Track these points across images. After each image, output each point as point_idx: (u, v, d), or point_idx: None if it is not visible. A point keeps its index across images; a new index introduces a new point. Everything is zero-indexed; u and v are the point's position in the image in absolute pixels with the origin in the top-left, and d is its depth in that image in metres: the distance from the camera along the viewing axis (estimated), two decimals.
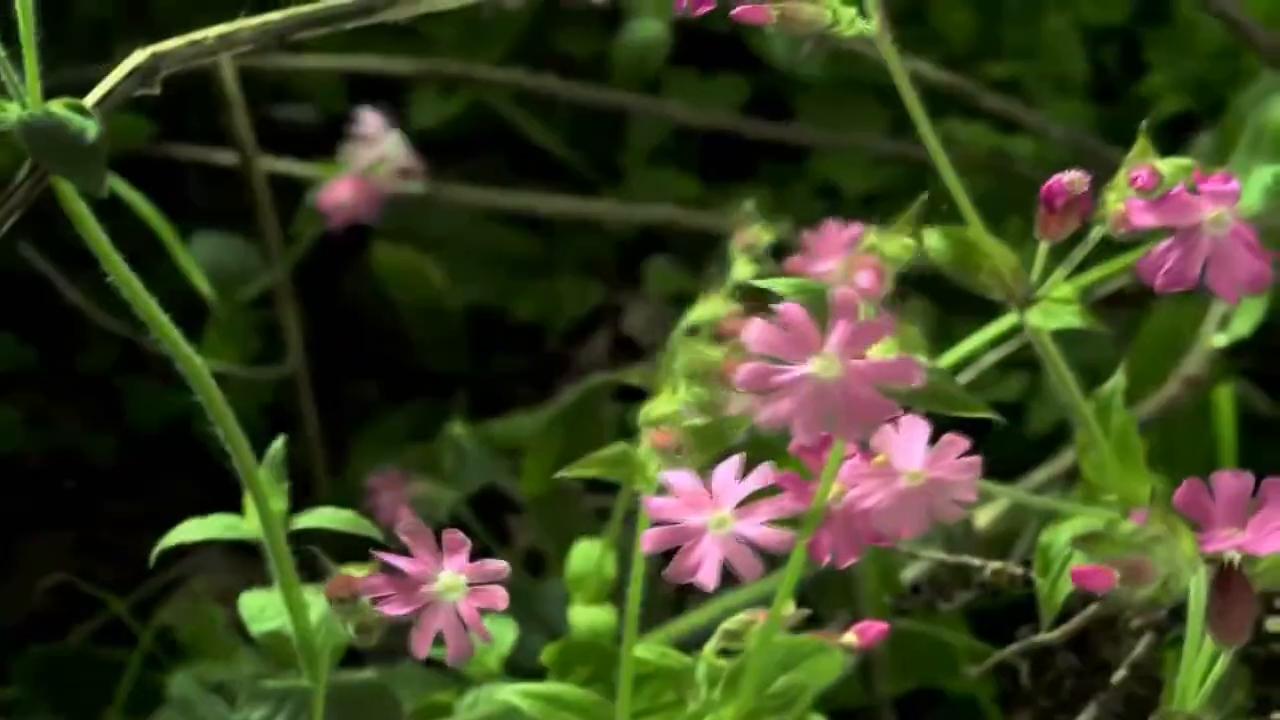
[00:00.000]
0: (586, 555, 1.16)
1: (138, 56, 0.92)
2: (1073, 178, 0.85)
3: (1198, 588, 0.71)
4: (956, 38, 1.66)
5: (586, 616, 1.13)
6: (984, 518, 1.30)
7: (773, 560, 0.82)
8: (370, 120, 1.46)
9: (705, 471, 0.81)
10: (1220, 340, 1.27)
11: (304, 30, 0.92)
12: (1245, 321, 1.26)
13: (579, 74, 1.62)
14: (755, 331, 0.76)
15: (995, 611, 1.19)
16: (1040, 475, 1.32)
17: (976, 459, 0.81)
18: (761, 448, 0.80)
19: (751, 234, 1.14)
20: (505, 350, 1.66)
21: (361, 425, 1.60)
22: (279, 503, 0.96)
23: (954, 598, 1.03)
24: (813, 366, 0.76)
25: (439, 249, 1.62)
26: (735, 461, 0.80)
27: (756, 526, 0.79)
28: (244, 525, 0.96)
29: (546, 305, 1.64)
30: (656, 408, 0.85)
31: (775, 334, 0.76)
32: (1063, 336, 1.34)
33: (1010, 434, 1.49)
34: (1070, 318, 0.85)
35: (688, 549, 0.79)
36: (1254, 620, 0.70)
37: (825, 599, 1.21)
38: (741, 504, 0.80)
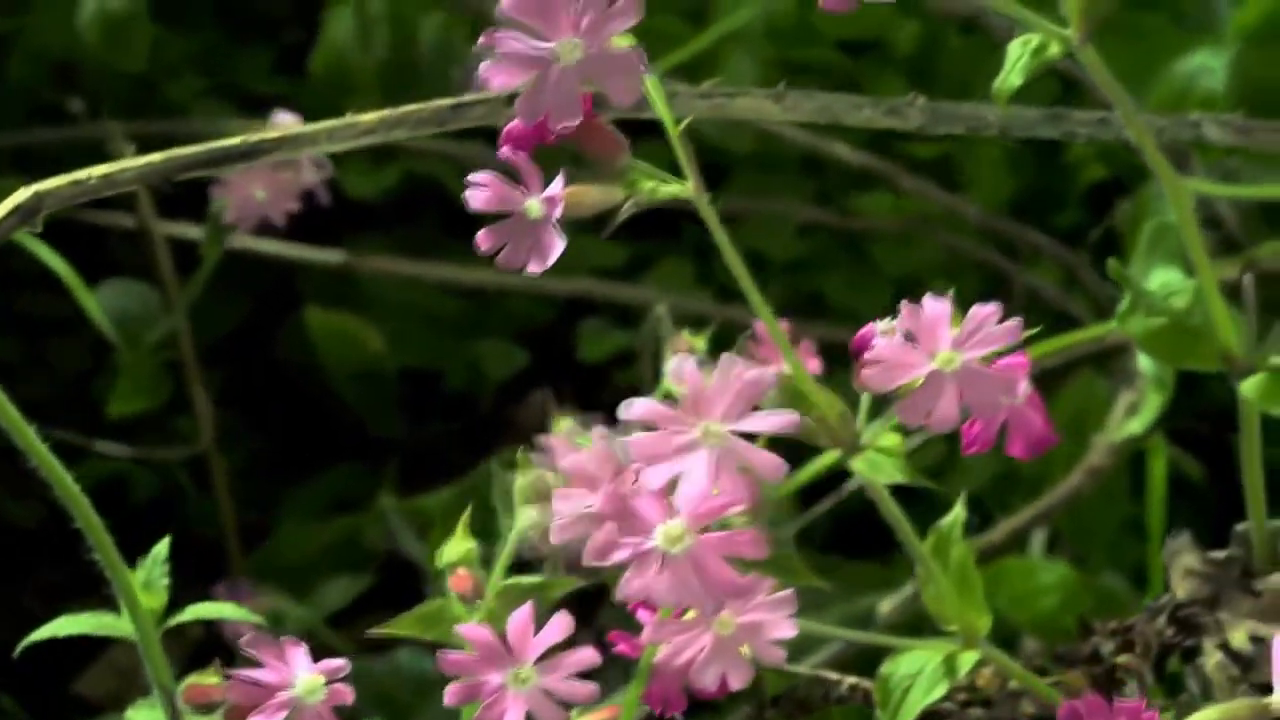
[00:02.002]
0: None
1: (20, 195, 0.94)
2: (885, 327, 0.84)
3: None
4: None
5: None
6: (887, 605, 1.32)
7: None
8: (284, 118, 1.41)
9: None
10: (1118, 436, 1.29)
11: (188, 171, 0.94)
12: (1144, 419, 1.29)
13: None
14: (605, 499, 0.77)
15: None
16: None
17: (789, 594, 0.81)
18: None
19: (684, 343, 1.12)
20: (440, 413, 1.67)
21: (292, 489, 1.62)
22: (157, 599, 0.96)
23: (813, 711, 1.05)
24: (659, 540, 0.77)
25: (369, 311, 1.64)
26: (529, 610, 0.80)
27: (560, 680, 0.80)
28: (118, 623, 0.96)
29: (474, 369, 1.66)
30: (450, 549, 0.86)
31: (623, 504, 0.77)
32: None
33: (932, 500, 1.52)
34: (894, 471, 0.85)
35: (490, 704, 0.80)
36: None
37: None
38: (542, 657, 0.80)
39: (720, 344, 1.57)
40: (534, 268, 0.83)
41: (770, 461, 0.78)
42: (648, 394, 1.17)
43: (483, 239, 0.84)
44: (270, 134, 0.94)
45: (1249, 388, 0.96)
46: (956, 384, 0.80)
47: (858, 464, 0.86)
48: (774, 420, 0.78)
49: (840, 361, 1.57)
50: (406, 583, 1.49)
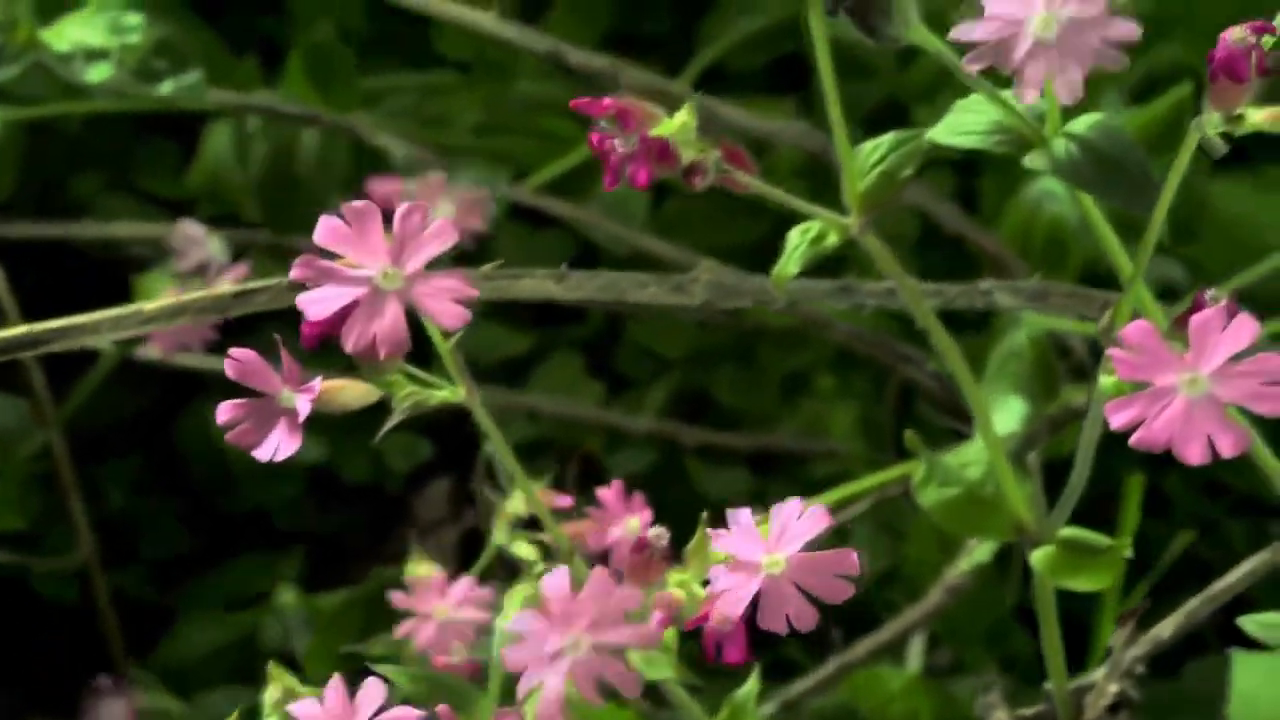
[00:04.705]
0: None
1: None
2: (657, 533, 0.85)
3: None
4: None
5: None
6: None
7: None
8: (189, 229, 1.42)
9: None
10: (965, 567, 1.30)
11: None
12: (984, 550, 1.30)
13: None
14: None
15: None
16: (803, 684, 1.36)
17: None
18: None
19: (512, 504, 1.09)
20: (347, 502, 1.69)
21: (195, 580, 1.63)
22: None
23: None
24: None
25: None
26: None
27: None
28: None
29: (377, 463, 1.67)
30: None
31: None
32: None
33: None
34: (666, 668, 0.86)
35: None
36: None
37: None
38: None
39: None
40: (262, 454, 0.84)
41: (629, 679, 0.80)
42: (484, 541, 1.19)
43: (222, 411, 0.85)
44: (53, 324, 0.95)
45: (1038, 560, 0.98)
46: (792, 580, 0.81)
47: (634, 659, 0.87)
48: (639, 634, 0.80)
49: (722, 459, 1.59)
50: None
